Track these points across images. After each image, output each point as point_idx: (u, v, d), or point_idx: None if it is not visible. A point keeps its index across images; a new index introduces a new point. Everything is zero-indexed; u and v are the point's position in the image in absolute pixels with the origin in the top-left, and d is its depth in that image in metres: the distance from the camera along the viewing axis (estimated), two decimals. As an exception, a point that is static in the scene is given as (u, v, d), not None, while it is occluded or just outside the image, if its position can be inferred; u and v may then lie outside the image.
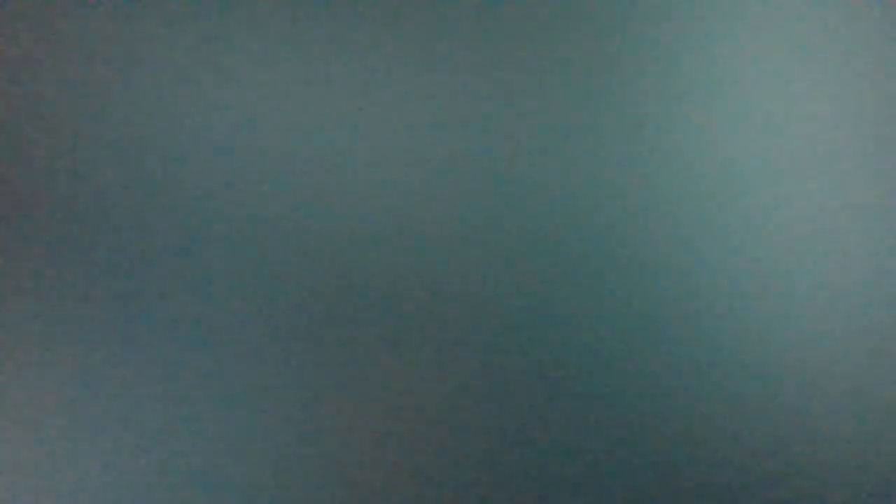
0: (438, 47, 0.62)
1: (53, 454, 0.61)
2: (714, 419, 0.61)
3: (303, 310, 0.61)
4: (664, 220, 0.61)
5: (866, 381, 0.61)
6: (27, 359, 0.61)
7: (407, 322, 0.61)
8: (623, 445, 0.61)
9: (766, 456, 0.61)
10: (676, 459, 0.61)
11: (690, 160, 0.62)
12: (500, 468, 0.61)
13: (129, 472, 0.61)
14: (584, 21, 0.62)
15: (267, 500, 0.61)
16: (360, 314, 0.61)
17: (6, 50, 0.62)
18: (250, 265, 0.61)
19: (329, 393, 0.61)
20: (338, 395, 0.61)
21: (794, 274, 0.61)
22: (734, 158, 0.62)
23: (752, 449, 0.61)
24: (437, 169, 0.62)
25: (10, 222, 0.61)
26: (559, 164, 0.61)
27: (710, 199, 0.61)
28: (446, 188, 0.61)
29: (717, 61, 0.62)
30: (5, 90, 0.62)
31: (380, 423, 0.61)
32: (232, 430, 0.61)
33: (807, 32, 0.62)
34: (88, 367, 0.61)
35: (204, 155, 0.62)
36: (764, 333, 0.61)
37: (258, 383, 0.61)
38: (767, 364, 0.61)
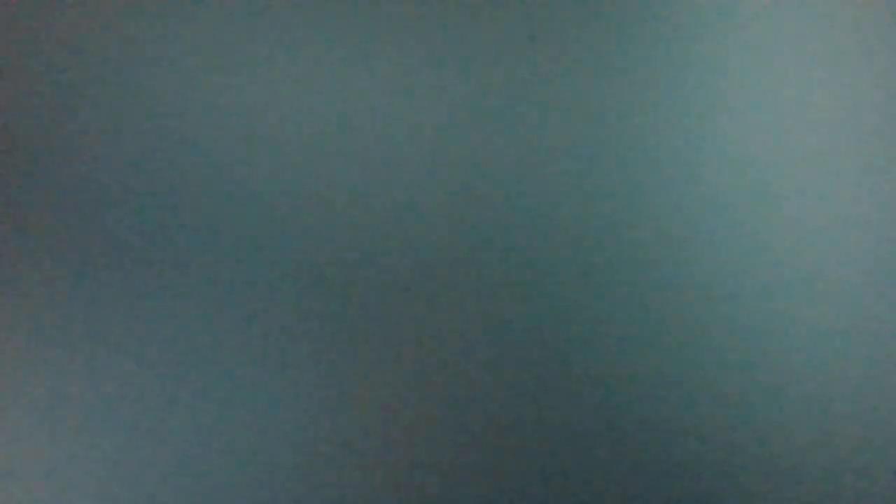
0: (443, 44, 0.62)
1: (53, 454, 0.61)
2: (714, 419, 0.61)
3: (304, 308, 0.61)
4: (665, 218, 0.61)
5: (866, 381, 0.61)
6: (27, 359, 0.61)
7: (409, 320, 0.61)
8: (624, 444, 0.61)
9: (765, 456, 0.61)
10: (676, 458, 0.61)
11: (693, 159, 0.62)
12: (502, 466, 0.61)
13: (129, 471, 0.61)
14: (588, 19, 0.62)
15: (269, 497, 0.61)
16: (361, 313, 0.61)
17: (6, 50, 0.62)
18: (252, 264, 0.61)
19: (330, 391, 0.61)
20: (339, 394, 0.61)
21: (795, 274, 0.61)
22: (737, 158, 0.62)
23: (751, 449, 0.61)
24: (440, 167, 0.62)
25: (10, 222, 0.61)
26: (563, 161, 0.62)
27: (711, 199, 0.61)
28: (449, 186, 0.61)
29: (719, 60, 0.62)
30: (6, 90, 0.62)
31: (381, 422, 0.61)
32: (233, 429, 0.61)
33: (808, 32, 0.62)
34: (88, 367, 0.61)
35: (204, 153, 0.62)
36: (764, 333, 0.61)
37: (260, 383, 0.61)
38: (767, 363, 0.61)
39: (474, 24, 0.62)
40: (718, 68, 0.62)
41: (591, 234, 0.61)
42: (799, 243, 0.61)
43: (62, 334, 0.61)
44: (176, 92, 0.62)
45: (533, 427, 0.61)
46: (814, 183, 0.62)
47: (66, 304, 0.61)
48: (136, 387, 0.61)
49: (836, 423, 0.61)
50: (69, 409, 0.61)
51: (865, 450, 0.61)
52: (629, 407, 0.61)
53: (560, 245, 0.61)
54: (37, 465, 0.61)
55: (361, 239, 0.61)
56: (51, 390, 0.61)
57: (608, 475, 0.61)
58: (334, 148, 0.62)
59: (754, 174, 0.62)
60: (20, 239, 0.61)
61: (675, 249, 0.61)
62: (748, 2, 0.62)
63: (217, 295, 0.61)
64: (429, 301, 0.61)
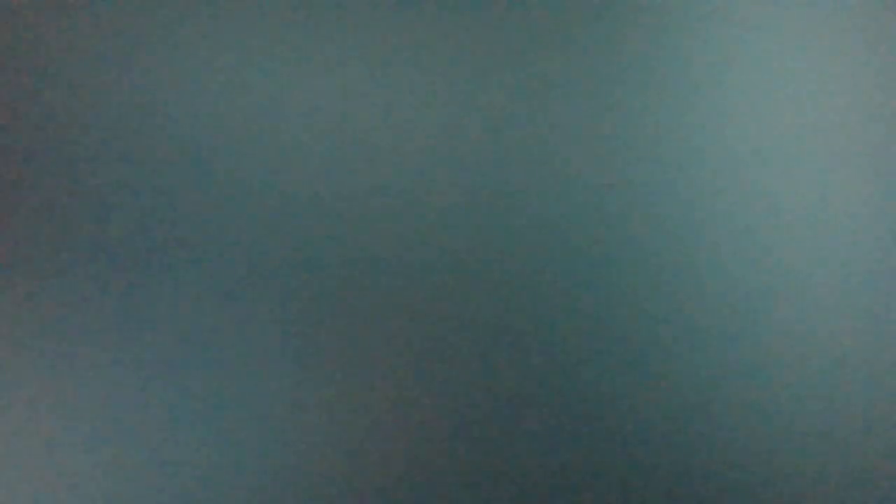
0: (443, 44, 0.62)
1: (53, 454, 0.61)
2: (713, 419, 0.61)
3: (303, 307, 0.61)
4: (665, 218, 0.61)
5: (866, 381, 0.61)
6: (27, 359, 0.61)
7: (409, 320, 0.61)
8: (622, 444, 0.61)
9: (765, 456, 0.61)
10: (674, 458, 0.61)
11: (692, 159, 0.62)
12: (499, 466, 0.61)
13: (128, 471, 0.61)
14: (588, 18, 0.62)
15: (267, 497, 0.61)
16: (361, 314, 0.61)
17: (6, 50, 0.62)
18: (251, 265, 0.61)
19: (329, 391, 0.61)
20: (337, 393, 0.61)
21: (794, 273, 0.61)
22: (736, 158, 0.62)
23: (750, 449, 0.61)
24: (439, 168, 0.62)
25: (10, 222, 0.61)
26: (563, 160, 0.62)
27: (711, 199, 0.61)
28: (449, 187, 0.62)
29: (720, 60, 0.62)
30: (5, 90, 0.62)
31: (379, 421, 0.61)
32: (232, 428, 0.61)
33: (807, 32, 0.62)
34: (88, 367, 0.61)
35: (204, 153, 0.62)
36: (763, 332, 0.61)
37: (259, 382, 0.61)
38: (767, 363, 0.61)
39: (475, 24, 0.62)
40: (719, 68, 0.62)
41: (591, 234, 0.61)
42: (798, 243, 0.61)
43: (62, 334, 0.61)
44: (176, 92, 0.62)
45: (533, 428, 0.61)
46: (814, 183, 0.62)
47: (65, 303, 0.61)
48: (136, 387, 0.61)
49: (836, 423, 0.61)
50: (68, 409, 0.61)
51: (865, 450, 0.61)
52: (629, 405, 0.61)
53: (560, 245, 0.61)
54: (37, 465, 0.61)
55: (361, 239, 0.61)
56: (50, 390, 0.61)
57: (608, 476, 0.61)
58: (335, 148, 0.62)
59: (755, 175, 0.61)
60: (20, 239, 0.61)
61: (674, 249, 0.61)
62: (748, 2, 0.62)
63: (216, 295, 0.61)
64: (429, 301, 0.61)
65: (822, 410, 0.61)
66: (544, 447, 0.61)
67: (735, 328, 0.61)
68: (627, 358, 0.61)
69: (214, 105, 0.62)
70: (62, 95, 0.62)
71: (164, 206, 0.61)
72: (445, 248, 0.61)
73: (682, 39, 0.62)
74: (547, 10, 0.62)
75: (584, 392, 0.61)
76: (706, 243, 0.61)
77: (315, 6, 0.62)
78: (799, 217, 0.61)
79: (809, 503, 0.61)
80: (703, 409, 0.61)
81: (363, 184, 0.61)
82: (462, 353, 0.61)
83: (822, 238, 0.61)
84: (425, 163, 0.62)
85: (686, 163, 0.61)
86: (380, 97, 0.62)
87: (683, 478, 0.61)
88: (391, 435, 0.61)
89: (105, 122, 0.62)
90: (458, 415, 0.61)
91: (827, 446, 0.61)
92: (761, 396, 0.61)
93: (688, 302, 0.61)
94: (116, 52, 0.62)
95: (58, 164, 0.62)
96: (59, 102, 0.62)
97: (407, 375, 0.61)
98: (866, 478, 0.61)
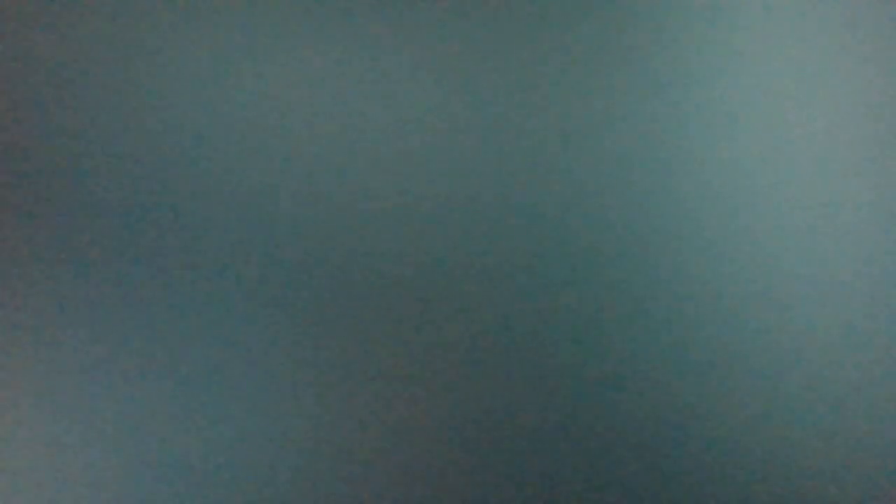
0: (442, 43, 0.62)
1: (53, 454, 0.61)
2: (713, 418, 0.61)
3: (303, 306, 0.61)
4: (665, 218, 0.61)
5: (866, 382, 0.61)
6: (27, 359, 0.61)
7: (408, 318, 0.61)
8: (622, 443, 0.61)
9: (764, 455, 0.61)
10: (674, 458, 0.61)
11: (691, 158, 0.62)
12: (499, 465, 0.61)
13: (129, 471, 0.61)
14: (587, 17, 0.62)
15: (267, 497, 0.61)
16: (361, 314, 0.61)
17: (6, 50, 0.62)
18: (251, 265, 0.61)
19: (328, 390, 0.61)
20: (337, 393, 0.61)
21: (794, 273, 0.61)
22: (735, 157, 0.62)
23: (751, 449, 0.61)
24: (438, 168, 0.62)
25: (9, 222, 0.61)
26: (562, 160, 0.62)
27: (709, 198, 0.61)
28: (448, 185, 0.62)
29: (718, 59, 0.62)
30: (5, 90, 0.62)
31: (379, 421, 0.61)
32: (231, 428, 0.61)
33: (807, 31, 0.62)
34: (88, 367, 0.61)
35: (204, 154, 0.62)
36: (763, 332, 0.61)
37: (258, 383, 0.61)
38: (767, 363, 0.61)
39: (475, 23, 0.62)
40: (718, 68, 0.62)
41: (590, 234, 0.61)
42: (798, 243, 0.61)
43: (62, 334, 0.61)
44: (176, 92, 0.62)
45: (531, 428, 0.61)
46: (813, 183, 0.62)
47: (66, 304, 0.61)
48: (136, 387, 0.61)
49: (836, 423, 0.61)
50: (69, 410, 0.61)
51: (865, 450, 0.61)
52: (627, 406, 0.61)
53: (559, 246, 0.61)
54: (37, 465, 0.61)
55: (361, 240, 0.61)
56: (51, 391, 0.61)
57: (607, 477, 0.61)
58: (333, 149, 0.62)
59: (754, 174, 0.62)
60: (20, 239, 0.61)
61: (674, 249, 0.61)
62: (748, 2, 0.62)
63: (216, 296, 0.61)
64: (429, 302, 0.61)
65: (822, 410, 0.61)
66: (544, 448, 0.61)
67: (736, 329, 0.61)
68: (628, 359, 0.61)
69: (214, 106, 0.62)
70: (62, 95, 0.62)
71: (163, 207, 0.61)
72: (445, 249, 0.61)
73: (681, 39, 0.62)
74: (547, 10, 0.62)
75: (583, 393, 0.61)
76: (706, 244, 0.61)
77: (314, 6, 0.62)
78: (798, 217, 0.61)
79: (809, 503, 0.61)
80: (703, 409, 0.61)
81: (363, 184, 0.61)
82: (462, 355, 0.61)
83: (822, 238, 0.61)
84: (424, 164, 0.62)
85: (686, 163, 0.62)
86: (379, 98, 0.62)
87: (683, 479, 0.61)
88: (391, 436, 0.61)
89: (105, 123, 0.62)
90: (458, 416, 0.61)
91: (827, 447, 0.61)
92: (761, 397, 0.61)
93: (687, 303, 0.61)
94: (116, 52, 0.62)
95: (58, 164, 0.62)
96: (59, 103, 0.62)
97: (406, 376, 0.61)
98: (866, 478, 0.61)
